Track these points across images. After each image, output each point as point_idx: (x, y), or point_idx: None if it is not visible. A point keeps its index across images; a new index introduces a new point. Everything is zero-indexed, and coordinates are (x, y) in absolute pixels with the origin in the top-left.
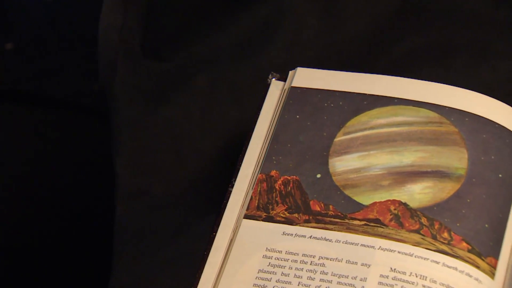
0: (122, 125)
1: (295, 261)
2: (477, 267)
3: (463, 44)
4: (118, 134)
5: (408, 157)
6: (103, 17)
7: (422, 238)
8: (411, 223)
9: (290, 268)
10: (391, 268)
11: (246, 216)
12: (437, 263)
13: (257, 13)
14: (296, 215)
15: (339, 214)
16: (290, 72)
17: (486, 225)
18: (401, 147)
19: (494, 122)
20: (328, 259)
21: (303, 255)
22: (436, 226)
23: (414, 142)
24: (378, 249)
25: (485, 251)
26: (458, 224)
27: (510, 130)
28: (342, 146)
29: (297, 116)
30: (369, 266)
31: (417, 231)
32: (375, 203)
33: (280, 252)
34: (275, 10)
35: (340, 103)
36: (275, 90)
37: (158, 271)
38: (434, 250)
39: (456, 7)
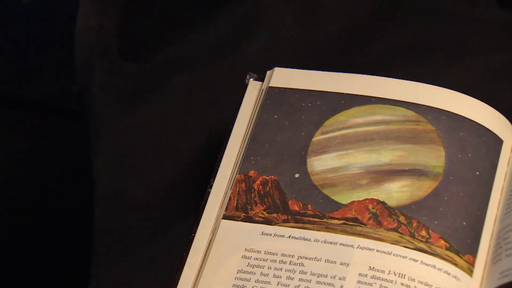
0: (100, 127)
1: (274, 261)
2: (455, 264)
3: (439, 43)
4: (96, 136)
5: (386, 155)
6: (80, 19)
7: (401, 237)
8: (389, 222)
9: (269, 268)
10: (369, 267)
11: (225, 217)
12: (416, 261)
13: (234, 13)
14: (274, 215)
15: (318, 213)
16: (268, 72)
17: (464, 223)
18: (378, 146)
19: (471, 120)
20: (307, 258)
21: (282, 255)
22: (414, 224)
23: (391, 140)
24: (357, 248)
25: (463, 249)
26: (436, 222)
27: (486, 128)
28: (320, 146)
29: (275, 116)
30: (348, 265)
31: (395, 230)
32: (353, 202)
33: (259, 252)
34: (252, 10)
35: (318, 102)
36: (253, 90)
37: (137, 273)
38: (413, 248)
39: (432, 6)
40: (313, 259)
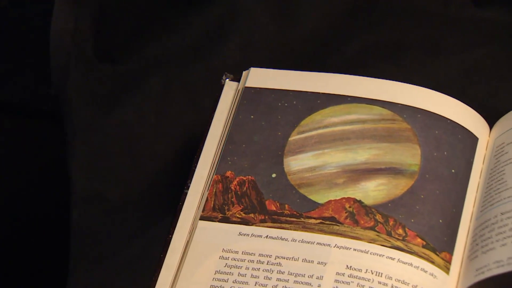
0: (76, 129)
1: (252, 261)
2: (432, 262)
3: (414, 41)
4: (72, 138)
5: (362, 154)
6: (55, 21)
7: (377, 235)
8: (366, 220)
9: (247, 268)
10: (347, 266)
11: (202, 218)
12: (393, 259)
13: (209, 14)
14: (252, 215)
15: (295, 213)
16: (244, 73)
17: (440, 221)
18: (355, 145)
19: (446, 118)
20: (284, 258)
21: (260, 255)
22: (391, 223)
23: (367, 139)
24: (334, 247)
25: (439, 246)
26: (412, 220)
27: (462, 126)
28: (296, 145)
29: (252, 116)
30: (325, 264)
31: (372, 228)
32: (330, 201)
33: (236, 252)
34: (227, 10)
35: (294, 102)
36: (229, 91)
37: (115, 275)
38: (389, 247)
39: (407, 4)
40: (291, 259)
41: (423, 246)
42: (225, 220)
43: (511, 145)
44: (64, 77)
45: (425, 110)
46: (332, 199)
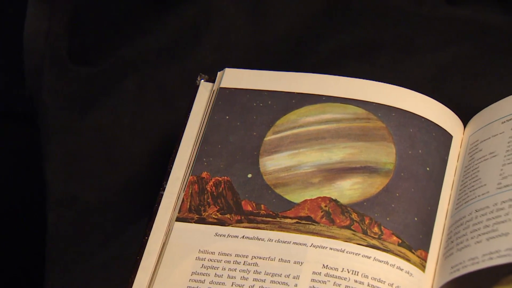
0: (51, 131)
1: (228, 261)
2: (408, 260)
3: (388, 40)
4: (47, 140)
5: (337, 153)
6: (28, 23)
7: (353, 234)
8: (342, 219)
9: (224, 269)
10: (323, 265)
11: (178, 219)
12: (368, 257)
13: (184, 15)
14: (228, 215)
15: (271, 213)
16: (219, 73)
17: (416, 218)
18: (330, 144)
19: (420, 116)
20: (261, 258)
21: (236, 255)
22: (367, 221)
23: (342, 138)
24: (310, 246)
25: (415, 244)
26: (388, 219)
27: (436, 124)
28: (272, 145)
29: (227, 117)
30: (301, 263)
31: (348, 227)
32: (306, 200)
33: (213, 253)
34: (202, 11)
35: (269, 102)
36: (204, 92)
37: (91, 277)
38: (365, 245)
39: (381, 4)
40: (267, 259)
41: (399, 244)
42: (201, 221)
43: (485, 143)
44: (39, 79)
45: (399, 108)
46: (308, 198)
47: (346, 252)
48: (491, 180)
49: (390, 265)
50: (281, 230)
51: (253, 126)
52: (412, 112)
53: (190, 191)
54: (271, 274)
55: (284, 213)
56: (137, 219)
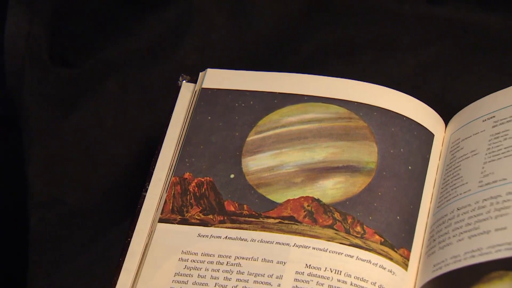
0: (33, 133)
1: (211, 262)
2: (391, 259)
3: (369, 40)
4: (29, 142)
5: (320, 153)
6: (8, 25)
7: (336, 233)
8: (325, 219)
9: (207, 269)
10: (306, 265)
11: (161, 220)
12: (351, 257)
13: (165, 16)
14: (211, 216)
15: (254, 213)
16: (200, 74)
17: (398, 217)
18: (312, 144)
19: (402, 115)
20: (244, 258)
21: (219, 256)
22: (349, 221)
23: (324, 138)
24: (293, 246)
25: (397, 243)
26: (370, 218)
27: (417, 123)
28: (254, 146)
29: (209, 117)
30: (284, 263)
31: (330, 226)
32: (288, 200)
33: (196, 254)
34: (183, 12)
35: (251, 102)
36: (186, 92)
37: (74, 279)
38: (348, 244)
39: (362, 3)
40: (250, 259)
41: (381, 243)
42: (184, 222)
43: (467, 141)
44: (20, 81)
45: (381, 107)
46: (291, 198)
47: (329, 252)
48: (473, 178)
49: (372, 264)
50: (264, 230)
51: (235, 126)
52: (393, 111)
53: (172, 192)
54: (254, 274)
55: (267, 213)
56: (119, 221)
